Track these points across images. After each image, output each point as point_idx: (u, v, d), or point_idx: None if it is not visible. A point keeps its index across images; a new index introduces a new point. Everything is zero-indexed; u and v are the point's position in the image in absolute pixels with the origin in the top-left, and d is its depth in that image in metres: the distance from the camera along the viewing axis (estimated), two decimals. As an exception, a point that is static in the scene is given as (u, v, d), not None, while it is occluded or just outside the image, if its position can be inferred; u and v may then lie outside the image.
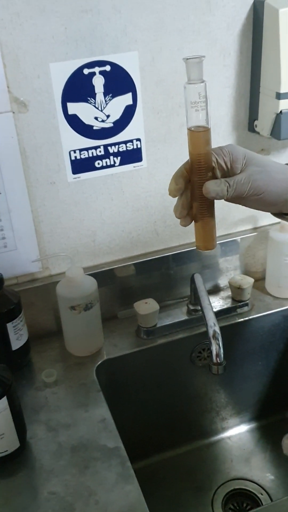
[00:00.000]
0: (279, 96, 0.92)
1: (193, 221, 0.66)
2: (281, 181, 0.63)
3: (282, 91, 0.91)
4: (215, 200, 0.64)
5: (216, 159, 0.63)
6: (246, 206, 0.66)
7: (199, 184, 0.62)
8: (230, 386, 1.18)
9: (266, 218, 1.16)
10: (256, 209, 0.66)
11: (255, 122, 1.00)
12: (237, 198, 0.64)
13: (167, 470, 1.13)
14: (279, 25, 0.87)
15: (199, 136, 0.61)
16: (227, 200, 0.64)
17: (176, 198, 0.65)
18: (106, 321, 1.06)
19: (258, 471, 1.12)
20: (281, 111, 0.93)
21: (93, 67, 0.88)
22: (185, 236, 1.11)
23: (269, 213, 1.14)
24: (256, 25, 0.93)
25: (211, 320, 0.86)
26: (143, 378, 1.07)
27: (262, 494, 1.07)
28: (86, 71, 0.88)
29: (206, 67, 0.94)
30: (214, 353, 0.84)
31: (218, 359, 0.84)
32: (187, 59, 0.58)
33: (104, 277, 1.05)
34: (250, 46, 0.97)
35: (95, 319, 0.99)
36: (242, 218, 1.14)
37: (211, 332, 0.85)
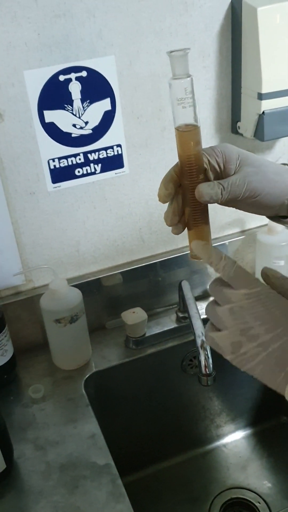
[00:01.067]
0: (260, 96, 0.90)
1: (186, 228, 0.62)
2: (278, 182, 0.60)
3: (263, 91, 0.89)
4: (209, 205, 0.60)
5: (208, 160, 0.59)
6: (241, 209, 0.63)
7: (190, 187, 0.58)
8: (224, 393, 1.16)
9: (253, 221, 1.14)
10: (252, 212, 0.63)
11: (238, 124, 0.98)
12: (231, 201, 0.60)
13: (161, 482, 1.11)
14: (257, 24, 0.85)
15: (188, 135, 0.57)
16: (221, 203, 0.60)
17: (166, 204, 0.61)
18: (93, 332, 1.04)
19: (255, 479, 1.10)
20: (263, 112, 0.91)
21: (69, 73, 0.85)
22: (171, 242, 1.08)
23: (256, 216, 1.13)
24: (235, 25, 0.91)
25: (199, 329, 0.84)
26: (133, 389, 1.04)
27: (259, 503, 1.05)
28: (62, 77, 0.85)
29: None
30: (202, 363, 0.82)
31: (207, 370, 0.82)
32: (171, 52, 0.54)
33: (90, 287, 1.02)
34: (229, 47, 0.95)
35: (82, 331, 0.96)
36: (229, 222, 1.12)
37: (199, 342, 0.83)
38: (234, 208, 1.08)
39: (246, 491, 1.07)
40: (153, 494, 1.08)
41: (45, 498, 0.75)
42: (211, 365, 0.82)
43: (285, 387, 0.48)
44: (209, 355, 0.82)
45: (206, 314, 0.54)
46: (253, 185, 0.59)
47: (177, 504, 1.06)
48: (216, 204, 0.62)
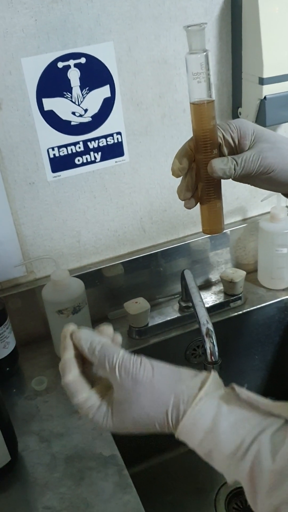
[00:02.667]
0: (262, 81, 0.89)
1: (199, 204, 0.63)
2: None
3: (265, 76, 0.88)
4: (222, 180, 0.61)
5: (223, 135, 0.59)
6: (255, 185, 0.63)
7: (204, 162, 0.59)
8: (227, 382, 1.15)
9: (255, 209, 1.13)
10: (266, 189, 0.63)
11: (239, 110, 0.97)
12: (245, 177, 0.60)
13: (167, 473, 1.10)
14: (258, 7, 0.84)
15: (202, 109, 0.57)
16: (234, 179, 0.60)
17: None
18: (96, 323, 1.01)
19: (261, 468, 1.09)
20: (265, 97, 0.90)
21: (67, 60, 0.84)
22: (173, 231, 1.07)
23: (258, 203, 1.12)
24: (235, 8, 0.90)
25: (203, 317, 0.83)
26: (137, 380, 1.03)
27: (265, 491, 1.04)
28: (60, 64, 0.84)
29: (185, 54, 0.91)
30: (208, 351, 0.81)
31: (212, 357, 0.81)
32: (188, 27, 0.55)
33: (92, 278, 1.01)
34: (229, 31, 0.93)
35: (85, 322, 0.95)
36: (231, 210, 1.11)
37: (204, 330, 0.82)
38: (235, 196, 1.08)
39: (251, 480, 1.07)
40: (158, 485, 1.08)
41: (51, 490, 0.74)
42: (216, 353, 0.81)
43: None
44: (215, 343, 0.81)
45: None
46: (268, 161, 0.58)
47: (183, 495, 1.06)
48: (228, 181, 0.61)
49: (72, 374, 0.53)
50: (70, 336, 0.54)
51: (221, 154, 0.60)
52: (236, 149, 0.60)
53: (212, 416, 0.49)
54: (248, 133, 0.60)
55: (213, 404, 0.50)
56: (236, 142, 0.60)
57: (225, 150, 0.60)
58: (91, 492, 0.73)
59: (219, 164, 0.58)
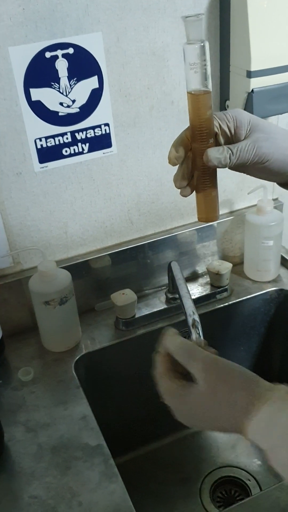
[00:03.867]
0: (249, 74, 0.89)
1: (194, 192, 0.63)
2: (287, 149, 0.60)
3: (252, 69, 0.88)
4: (218, 169, 0.61)
5: (219, 125, 0.60)
6: (251, 175, 0.64)
7: (200, 151, 0.59)
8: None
9: (242, 202, 1.14)
10: (261, 178, 0.64)
11: (227, 103, 0.98)
12: (240, 167, 0.61)
13: (152, 462, 1.11)
14: (247, 0, 0.84)
15: (199, 99, 0.58)
16: (230, 168, 0.61)
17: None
18: (83, 314, 1.03)
19: (245, 458, 1.11)
20: (252, 90, 0.90)
21: (55, 50, 0.84)
22: (160, 223, 1.08)
23: (245, 196, 1.12)
24: (224, 1, 0.90)
25: (190, 308, 0.84)
26: (123, 371, 1.04)
27: (250, 480, 1.06)
28: (48, 54, 0.83)
29: (173, 46, 0.91)
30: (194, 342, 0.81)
31: (199, 348, 0.81)
32: (186, 17, 0.55)
33: (79, 269, 1.01)
34: (218, 24, 0.93)
35: (71, 313, 0.95)
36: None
37: (190, 321, 0.82)
38: (222, 189, 1.09)
39: (236, 469, 1.08)
40: (144, 475, 1.09)
41: (37, 479, 0.74)
42: (202, 344, 0.82)
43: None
44: (201, 334, 0.82)
45: None
46: (262, 151, 0.59)
47: (168, 484, 1.07)
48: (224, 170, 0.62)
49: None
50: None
51: (217, 143, 0.60)
52: (232, 139, 0.61)
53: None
54: (244, 122, 0.60)
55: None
56: (232, 132, 0.61)
57: (221, 140, 0.60)
58: (77, 481, 0.73)
59: (214, 154, 0.58)
